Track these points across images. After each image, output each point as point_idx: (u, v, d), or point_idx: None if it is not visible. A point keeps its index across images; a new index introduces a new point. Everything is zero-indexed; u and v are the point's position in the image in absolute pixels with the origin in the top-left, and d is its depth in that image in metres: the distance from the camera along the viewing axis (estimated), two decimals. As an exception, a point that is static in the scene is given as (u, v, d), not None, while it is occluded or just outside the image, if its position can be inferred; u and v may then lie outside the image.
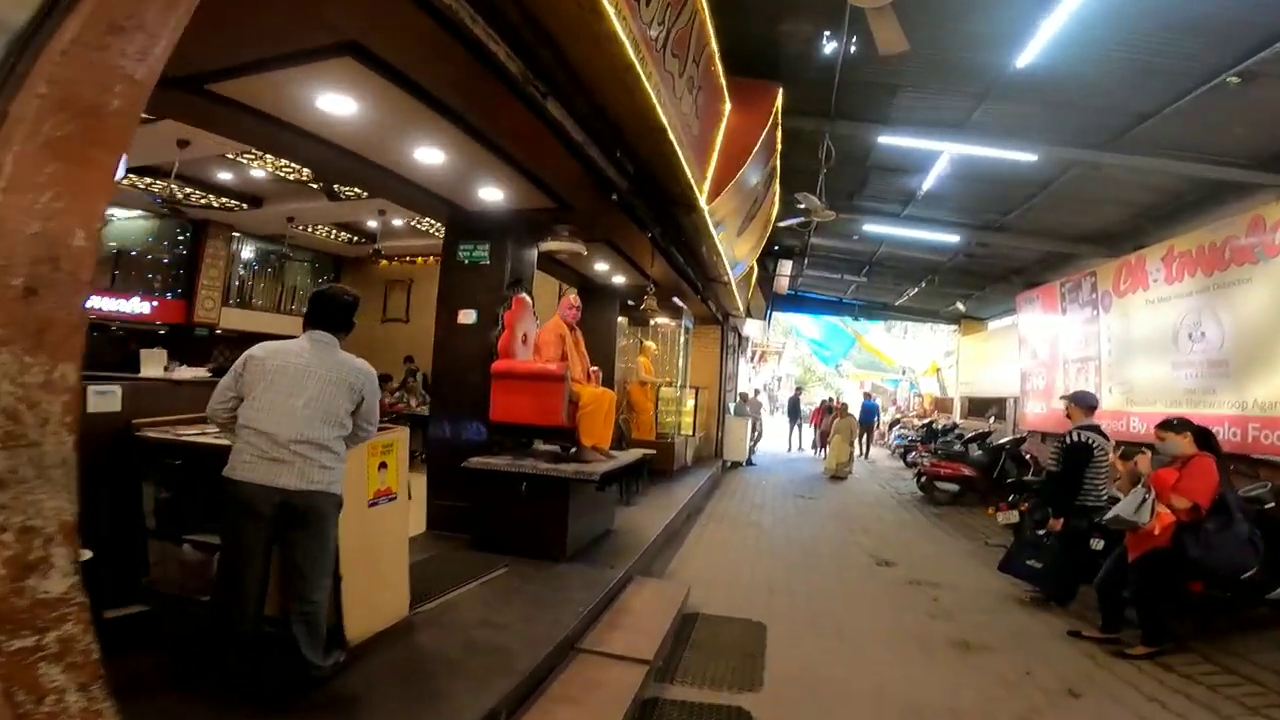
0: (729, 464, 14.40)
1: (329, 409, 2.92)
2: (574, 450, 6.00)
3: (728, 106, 5.96)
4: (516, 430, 6.03)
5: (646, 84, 3.73)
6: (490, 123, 4.00)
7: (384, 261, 15.42)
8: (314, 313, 3.08)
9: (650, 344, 11.29)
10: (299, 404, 2.84)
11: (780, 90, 6.05)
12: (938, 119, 7.03)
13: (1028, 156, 7.15)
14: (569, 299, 6.19)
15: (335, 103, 3.77)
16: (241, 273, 14.78)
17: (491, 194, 5.58)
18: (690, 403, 12.17)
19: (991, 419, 15.09)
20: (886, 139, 7.30)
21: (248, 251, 15.04)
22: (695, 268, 9.12)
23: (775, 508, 10.46)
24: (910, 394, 24.58)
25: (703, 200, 5.94)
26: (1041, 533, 6.02)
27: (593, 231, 6.57)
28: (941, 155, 7.72)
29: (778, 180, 8.40)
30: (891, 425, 21.25)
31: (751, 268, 13.44)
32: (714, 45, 4.97)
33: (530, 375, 5.84)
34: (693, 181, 5.37)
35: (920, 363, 22.79)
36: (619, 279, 9.62)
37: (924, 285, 15.30)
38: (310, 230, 14.04)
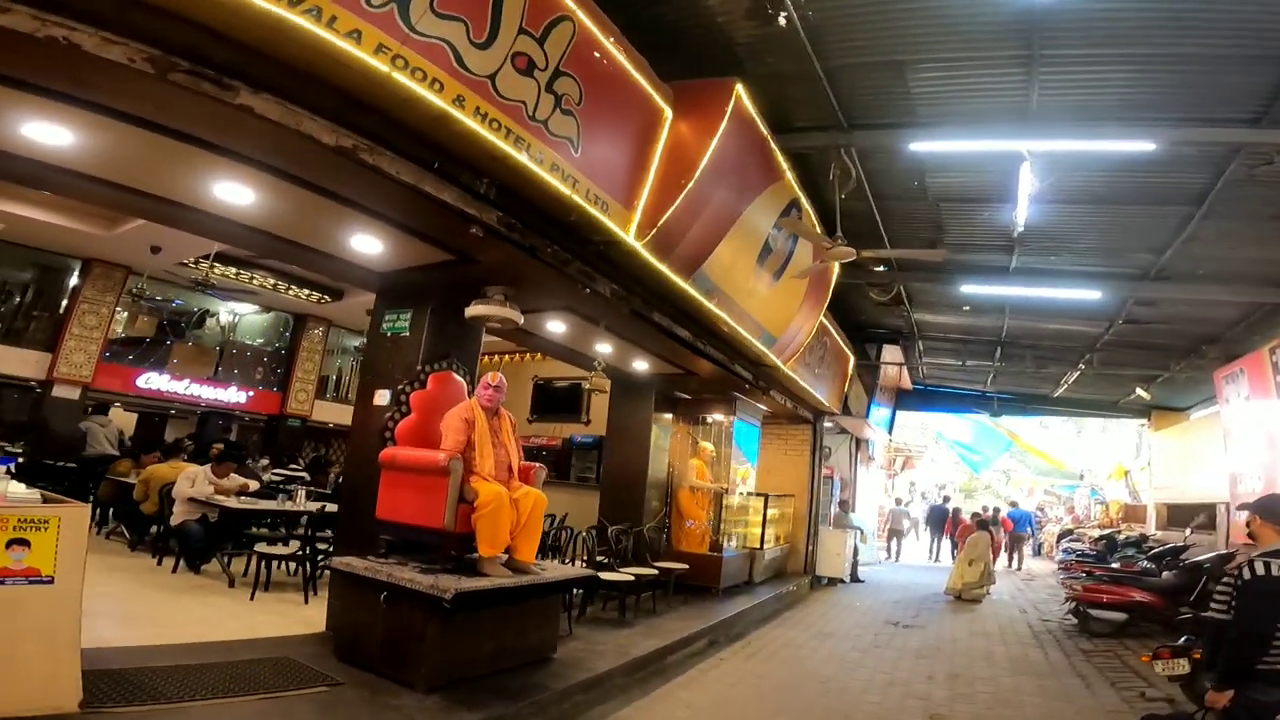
0: (824, 581, 12.05)
1: None
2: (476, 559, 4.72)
3: (666, 113, 4.71)
4: (402, 530, 4.87)
5: (348, 47, 2.69)
6: (210, 132, 3.18)
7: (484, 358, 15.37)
8: None
9: (707, 445, 9.74)
10: None
11: (737, 86, 4.71)
12: (985, 106, 5.23)
13: (1140, 146, 5.02)
14: (487, 378, 5.10)
15: (41, 131, 3.23)
16: (339, 366, 15.40)
17: (368, 244, 4.74)
18: (762, 512, 10.34)
19: (1189, 530, 11.54)
20: (922, 146, 5.51)
21: (349, 346, 15.71)
22: (722, 347, 7.55)
23: (847, 638, 8.14)
24: (1091, 501, 19.96)
25: (629, 233, 4.65)
26: (1196, 713, 3.89)
27: (529, 292, 5.45)
28: (1022, 166, 5.64)
29: (811, 223, 6.74)
30: (1061, 536, 17.24)
31: (845, 356, 11.56)
32: (587, 20, 3.83)
33: (412, 467, 4.81)
34: (579, 198, 4.13)
35: (1104, 464, 18.46)
36: (641, 365, 8.36)
37: (1082, 368, 12.29)
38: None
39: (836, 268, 8.23)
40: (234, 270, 10.43)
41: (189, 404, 12.78)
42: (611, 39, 4.06)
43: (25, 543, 2.96)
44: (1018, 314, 10.13)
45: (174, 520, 7.12)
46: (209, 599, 6.02)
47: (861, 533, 13.34)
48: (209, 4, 2.57)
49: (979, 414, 16.44)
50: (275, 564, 6.42)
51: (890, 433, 17.06)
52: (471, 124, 3.32)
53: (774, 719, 5.15)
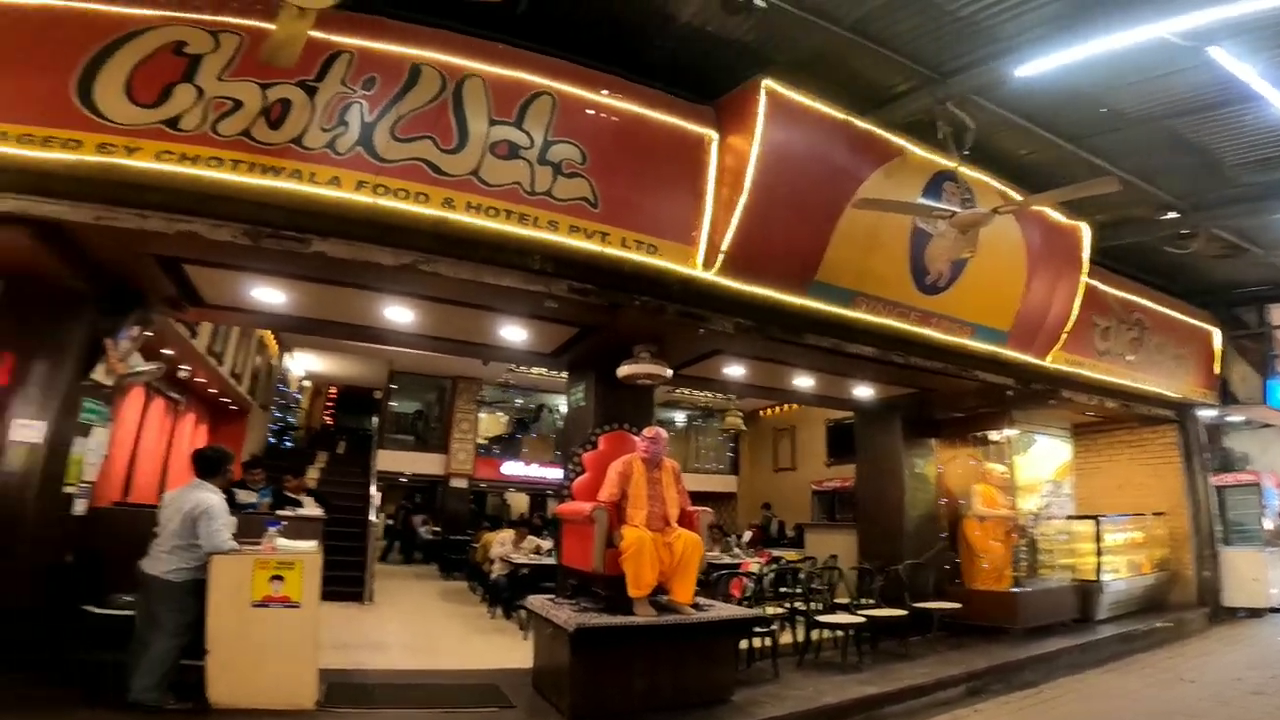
0: (1240, 614, 9.15)
1: (175, 528, 4.09)
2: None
3: (710, 137, 4.69)
4: (574, 574, 5.51)
5: (327, 192, 3.63)
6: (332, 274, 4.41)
7: (769, 411, 15.64)
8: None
9: (996, 468, 8.36)
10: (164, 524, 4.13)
11: (763, 82, 4.41)
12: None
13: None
14: (646, 432, 5.47)
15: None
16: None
17: (514, 333, 5.69)
18: (1094, 537, 8.46)
19: None
20: (1027, 70, 4.29)
21: (674, 419, 17.16)
22: (939, 355, 6.59)
23: (1213, 685, 5.92)
24: None
25: (695, 267, 4.74)
26: None
27: (668, 345, 5.74)
28: (1210, 52, 3.99)
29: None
30: None
31: (1194, 330, 9.02)
32: (566, 87, 4.23)
33: (569, 517, 5.48)
34: (614, 250, 4.42)
35: None
36: (864, 391, 7.85)
37: None
38: (688, 392, 15.47)
39: (1085, 230, 6.66)
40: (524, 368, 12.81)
41: (540, 485, 15.64)
42: (605, 92, 4.35)
43: (281, 578, 4.23)
44: None
45: (492, 576, 8.96)
46: (494, 638, 7.35)
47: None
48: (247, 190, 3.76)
49: None
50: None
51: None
52: (466, 219, 4.00)
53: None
